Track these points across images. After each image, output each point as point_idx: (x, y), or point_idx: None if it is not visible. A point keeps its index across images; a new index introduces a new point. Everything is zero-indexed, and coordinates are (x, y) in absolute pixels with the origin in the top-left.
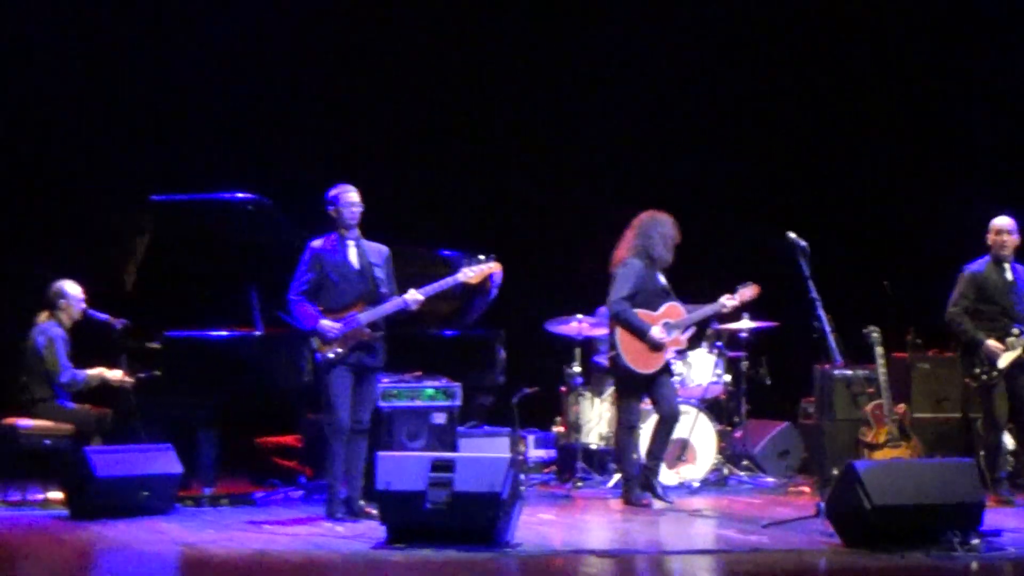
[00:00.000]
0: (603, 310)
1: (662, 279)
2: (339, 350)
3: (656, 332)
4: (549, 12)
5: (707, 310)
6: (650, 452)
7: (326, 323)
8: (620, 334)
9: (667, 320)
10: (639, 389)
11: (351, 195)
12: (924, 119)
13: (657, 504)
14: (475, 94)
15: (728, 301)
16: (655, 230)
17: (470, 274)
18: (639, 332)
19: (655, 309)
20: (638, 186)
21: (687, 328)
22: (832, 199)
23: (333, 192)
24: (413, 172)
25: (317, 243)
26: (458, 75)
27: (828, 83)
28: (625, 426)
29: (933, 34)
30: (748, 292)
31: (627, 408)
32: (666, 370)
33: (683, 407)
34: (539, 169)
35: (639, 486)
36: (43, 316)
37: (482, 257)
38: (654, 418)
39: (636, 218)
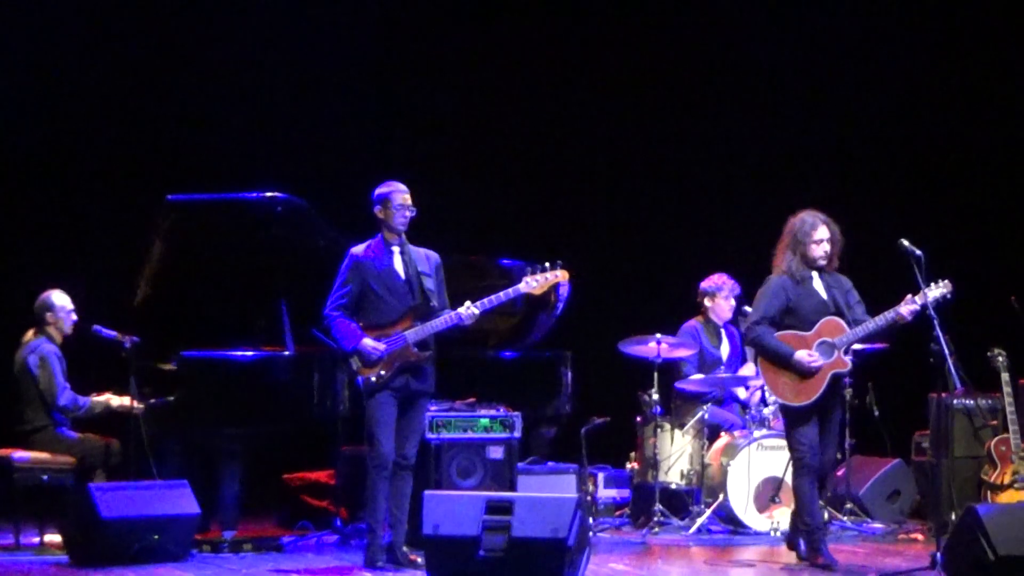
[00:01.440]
0: (685, 327)
1: (823, 291)
2: (383, 373)
3: (802, 356)
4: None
5: (879, 322)
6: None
7: (369, 342)
8: (761, 363)
9: (824, 339)
10: (803, 422)
11: (404, 197)
12: None
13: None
14: (540, 88)
15: (907, 307)
16: (796, 235)
17: (533, 284)
18: (781, 358)
19: (810, 328)
20: (725, 190)
21: (852, 345)
22: (951, 202)
23: (383, 190)
24: (469, 172)
25: (358, 250)
26: (523, 67)
27: (942, 83)
28: (797, 467)
29: None
30: (936, 292)
31: (795, 444)
32: (830, 407)
33: (779, 441)
34: (612, 170)
35: (823, 543)
36: (30, 334)
37: (547, 265)
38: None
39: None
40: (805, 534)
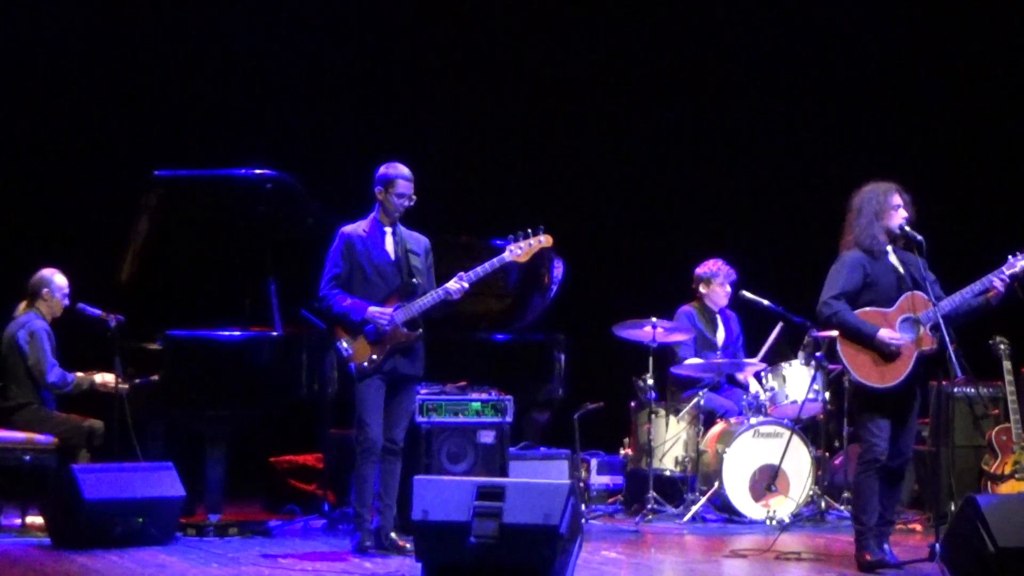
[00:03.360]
0: (681, 311)
1: (899, 266)
2: (375, 357)
3: (886, 334)
4: None
5: (964, 294)
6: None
7: (376, 309)
8: (841, 343)
9: (907, 315)
10: (882, 408)
11: (409, 186)
12: None
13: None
14: (534, 71)
15: (998, 279)
16: (867, 207)
17: (518, 252)
18: (864, 338)
19: (891, 304)
20: (722, 173)
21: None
22: (952, 187)
23: (389, 173)
24: (461, 153)
25: (349, 229)
26: (518, 47)
27: (932, 62)
28: (866, 460)
29: None
30: (1022, 263)
31: (867, 436)
32: (912, 394)
33: (775, 428)
34: (607, 152)
35: (873, 541)
36: (22, 307)
37: (530, 232)
38: (741, 442)
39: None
40: (856, 532)
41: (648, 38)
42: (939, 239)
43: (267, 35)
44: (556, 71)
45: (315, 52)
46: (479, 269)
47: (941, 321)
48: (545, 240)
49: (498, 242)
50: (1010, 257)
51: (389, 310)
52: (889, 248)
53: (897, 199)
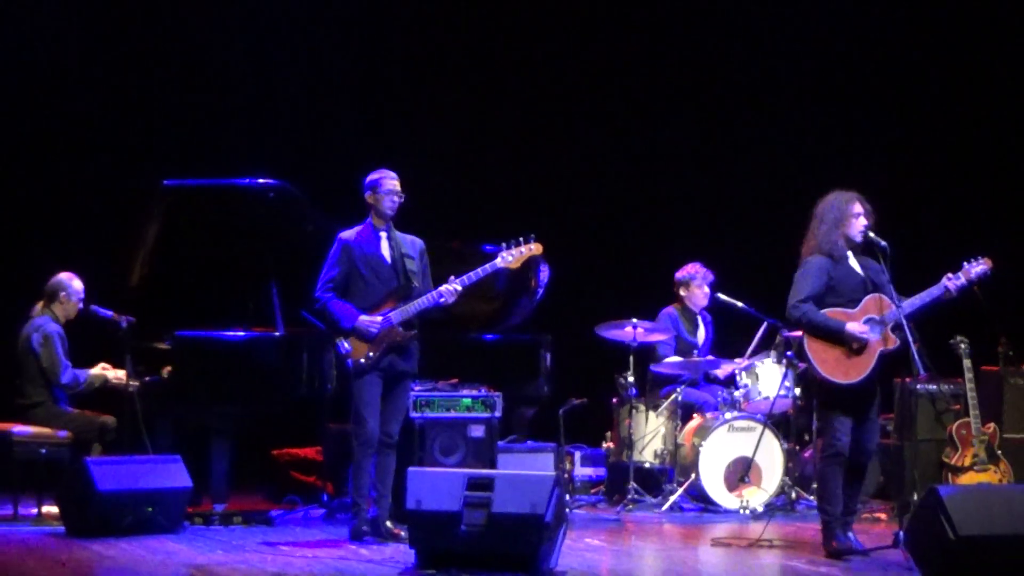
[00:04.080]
0: (664, 313)
1: (859, 270)
2: (371, 354)
3: (854, 327)
4: None
5: (924, 297)
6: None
7: (366, 319)
8: (808, 341)
9: (870, 316)
10: (844, 404)
11: (394, 183)
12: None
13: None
14: (521, 77)
15: (951, 283)
16: (828, 214)
17: (509, 259)
18: (832, 333)
19: (854, 306)
20: (702, 179)
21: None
22: (913, 192)
23: (374, 176)
24: (451, 160)
25: (346, 234)
26: (506, 55)
27: (906, 75)
28: (829, 453)
29: None
30: (977, 269)
31: (830, 430)
32: (874, 391)
33: (748, 423)
34: (592, 157)
35: (839, 529)
36: (38, 308)
37: (521, 240)
38: (717, 436)
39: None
40: (823, 522)
41: (635, 47)
42: (901, 243)
43: (269, 50)
44: (543, 79)
45: (314, 66)
46: (472, 274)
47: (904, 321)
48: (535, 248)
49: (488, 247)
50: (964, 264)
51: (379, 319)
52: (849, 253)
53: (857, 207)
